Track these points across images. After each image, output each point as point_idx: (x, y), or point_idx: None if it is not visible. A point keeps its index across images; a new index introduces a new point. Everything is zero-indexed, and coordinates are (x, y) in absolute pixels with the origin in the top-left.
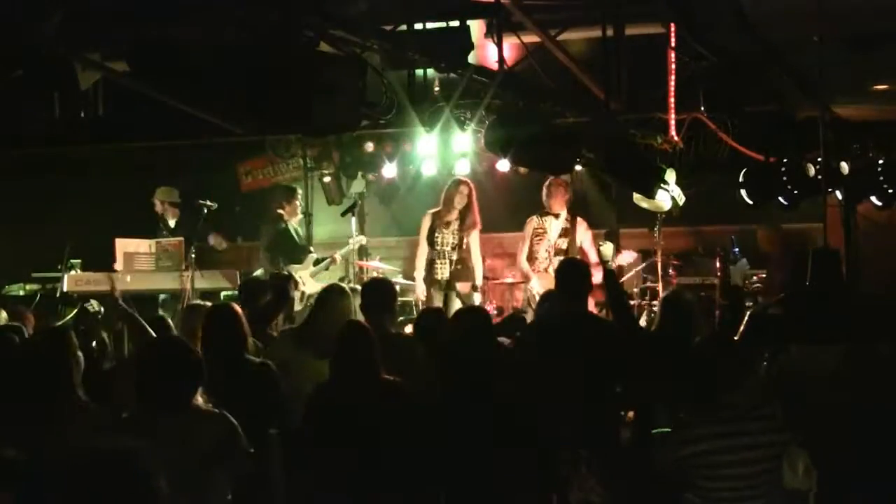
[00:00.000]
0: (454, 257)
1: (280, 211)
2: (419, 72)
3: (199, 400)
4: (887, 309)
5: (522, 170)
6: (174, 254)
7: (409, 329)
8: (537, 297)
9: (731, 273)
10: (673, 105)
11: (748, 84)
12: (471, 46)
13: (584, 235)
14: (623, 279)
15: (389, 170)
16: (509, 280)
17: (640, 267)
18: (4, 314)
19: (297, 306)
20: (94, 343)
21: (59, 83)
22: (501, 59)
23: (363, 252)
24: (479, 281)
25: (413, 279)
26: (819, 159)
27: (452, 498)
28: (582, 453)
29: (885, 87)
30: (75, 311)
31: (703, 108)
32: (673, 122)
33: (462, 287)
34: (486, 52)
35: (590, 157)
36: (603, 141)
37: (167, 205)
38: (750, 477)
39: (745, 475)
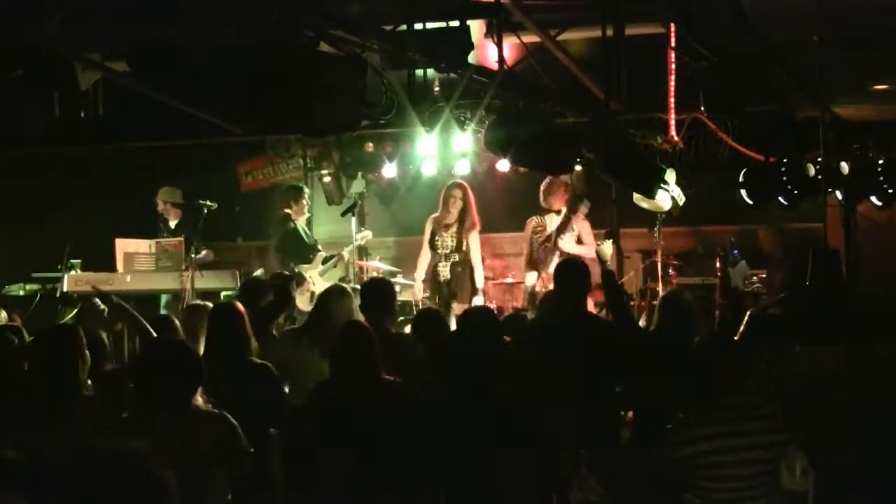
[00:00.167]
0: (455, 259)
1: (288, 210)
2: (419, 72)
3: (199, 400)
4: (887, 309)
5: (522, 170)
6: (174, 254)
7: (408, 329)
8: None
9: (730, 275)
10: (673, 105)
11: (748, 84)
12: (471, 46)
13: (581, 225)
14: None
15: (389, 170)
16: (509, 280)
17: (640, 267)
18: (4, 314)
19: (308, 306)
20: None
21: (59, 83)
22: (501, 59)
23: (363, 252)
24: (479, 282)
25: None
26: (819, 159)
27: (452, 498)
28: (582, 453)
29: (885, 87)
30: (75, 310)
31: (703, 108)
32: (673, 122)
33: (461, 300)
34: (486, 52)
35: (590, 157)
36: (603, 141)
37: (169, 205)
38: (749, 477)
39: (745, 475)
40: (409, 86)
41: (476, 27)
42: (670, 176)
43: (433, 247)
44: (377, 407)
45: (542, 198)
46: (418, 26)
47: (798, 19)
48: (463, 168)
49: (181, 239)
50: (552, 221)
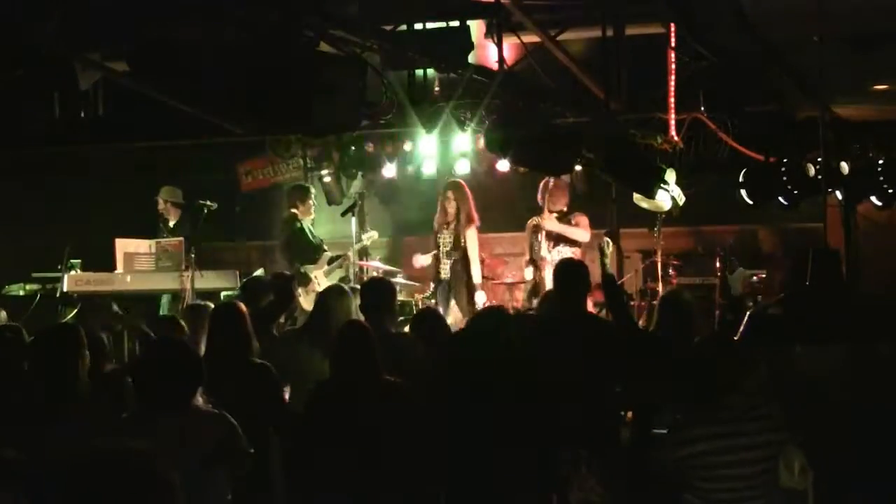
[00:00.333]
0: (454, 257)
1: (294, 210)
2: (419, 72)
3: (200, 400)
4: (887, 309)
5: (522, 170)
6: (174, 254)
7: (407, 329)
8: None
9: (730, 282)
10: (673, 105)
11: (748, 84)
12: (471, 46)
13: (580, 219)
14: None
15: (389, 170)
16: (509, 280)
17: (640, 267)
18: (4, 314)
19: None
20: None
21: (59, 83)
22: (501, 59)
23: (363, 252)
24: (476, 278)
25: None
26: (819, 159)
27: (452, 498)
28: (582, 453)
29: (885, 87)
30: (75, 310)
31: (703, 108)
32: (673, 122)
33: (458, 298)
34: (486, 52)
35: (590, 157)
36: (603, 141)
37: (170, 204)
38: (748, 477)
39: (744, 475)
40: (409, 86)
41: (476, 27)
42: (670, 176)
43: (436, 246)
44: (377, 407)
45: (540, 198)
46: (418, 26)
47: (798, 19)
48: (463, 168)
49: (181, 239)
50: (551, 223)
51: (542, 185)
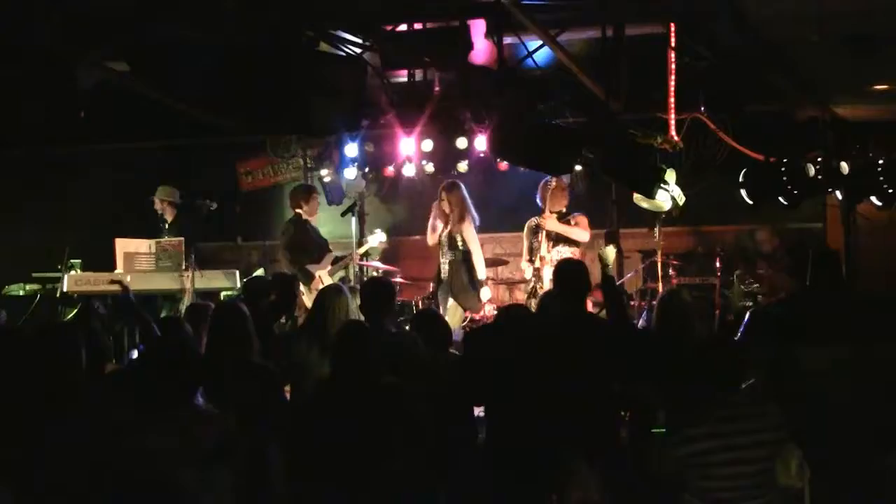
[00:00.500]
0: (451, 256)
1: (299, 210)
2: (419, 72)
3: (200, 400)
4: (887, 309)
5: (523, 170)
6: (174, 254)
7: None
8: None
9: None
10: (673, 105)
11: (748, 84)
12: (471, 46)
13: (579, 219)
14: (623, 279)
15: (389, 170)
16: (509, 279)
17: (640, 267)
18: (4, 314)
19: None
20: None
21: (59, 83)
22: (501, 59)
23: (369, 252)
24: (481, 274)
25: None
26: (819, 159)
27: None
28: (582, 453)
29: (885, 87)
30: (75, 310)
31: (703, 108)
32: (673, 122)
33: (460, 297)
34: (487, 52)
35: (590, 157)
36: (603, 141)
37: (167, 203)
38: (747, 476)
39: (743, 474)
40: (410, 86)
41: (476, 27)
42: (670, 176)
43: (439, 245)
44: (376, 407)
45: (540, 198)
46: (418, 26)
47: (798, 19)
48: (463, 168)
49: (181, 239)
50: (550, 223)
51: (541, 185)
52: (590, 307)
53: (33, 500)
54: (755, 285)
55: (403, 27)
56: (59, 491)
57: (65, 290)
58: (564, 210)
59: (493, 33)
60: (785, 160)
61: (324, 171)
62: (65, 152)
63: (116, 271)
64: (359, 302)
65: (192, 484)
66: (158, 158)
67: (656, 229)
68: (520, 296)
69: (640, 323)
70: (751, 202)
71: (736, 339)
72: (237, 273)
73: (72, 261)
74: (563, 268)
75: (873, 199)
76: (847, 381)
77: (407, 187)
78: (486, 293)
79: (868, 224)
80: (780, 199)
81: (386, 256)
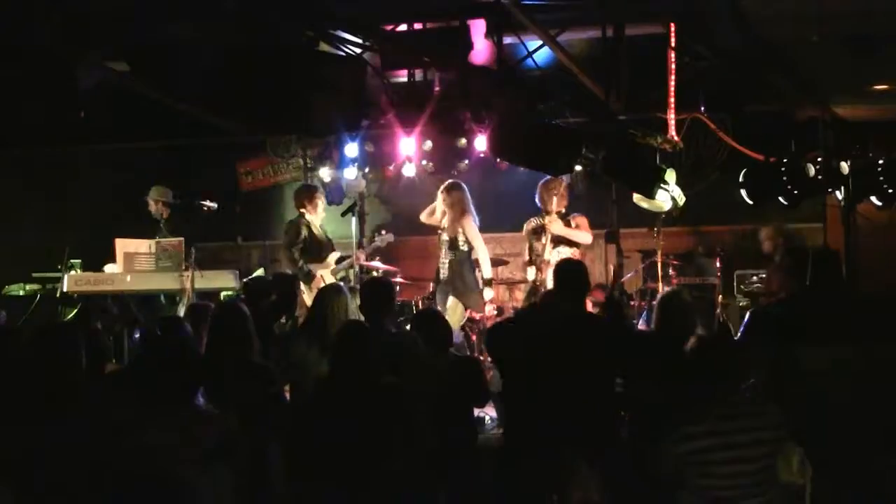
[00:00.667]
0: (451, 257)
1: (302, 210)
2: (419, 72)
3: (200, 399)
4: (887, 309)
5: (522, 169)
6: (174, 254)
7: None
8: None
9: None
10: (673, 105)
11: (748, 84)
12: (471, 46)
13: (579, 220)
14: (623, 279)
15: (389, 170)
16: (509, 279)
17: (640, 267)
18: (4, 314)
19: None
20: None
21: (59, 83)
22: (501, 59)
23: (376, 253)
24: (486, 272)
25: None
26: (819, 159)
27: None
28: (582, 453)
29: (885, 87)
30: (75, 310)
31: (703, 108)
32: (673, 122)
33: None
34: (487, 52)
35: (590, 157)
36: (603, 141)
37: (161, 204)
38: (746, 475)
39: (743, 472)
40: (410, 86)
41: (476, 27)
42: (670, 176)
43: (439, 245)
44: (375, 407)
45: (539, 199)
46: (418, 26)
47: (798, 19)
48: (463, 167)
49: (181, 239)
50: (550, 223)
51: (540, 185)
52: (589, 307)
53: (33, 499)
54: (755, 285)
55: (403, 27)
56: (60, 491)
57: (65, 290)
58: (564, 210)
59: (493, 33)
60: (785, 160)
61: (324, 171)
62: (65, 152)
63: (108, 267)
64: (359, 302)
65: (192, 484)
66: (158, 158)
67: (656, 229)
68: (520, 296)
69: (640, 323)
70: (751, 202)
71: (737, 338)
72: (237, 273)
73: (72, 261)
74: (562, 267)
75: (873, 199)
76: (847, 381)
77: (407, 187)
78: (488, 293)
79: (868, 224)
80: (780, 199)
81: (386, 256)
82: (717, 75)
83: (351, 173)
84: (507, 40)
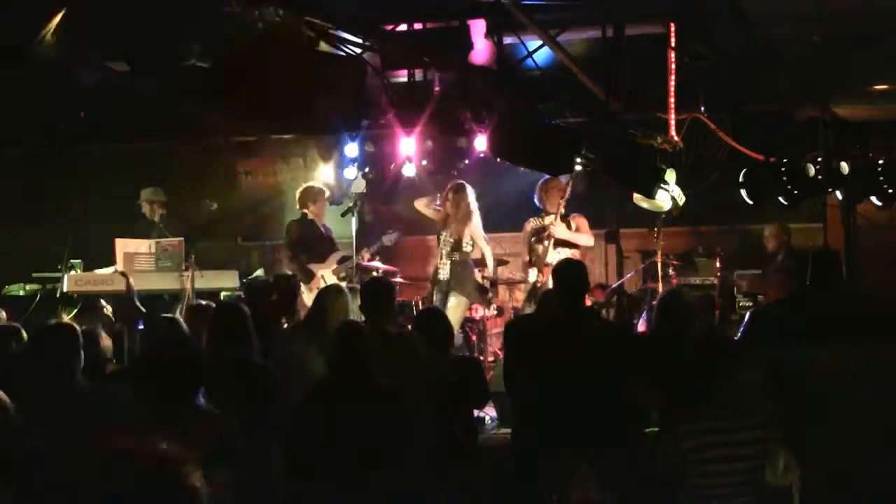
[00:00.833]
0: (455, 258)
1: (305, 210)
2: (419, 72)
3: (201, 400)
4: (887, 309)
5: (522, 169)
6: (174, 254)
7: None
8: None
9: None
10: (673, 105)
11: (748, 84)
12: (471, 46)
13: (579, 221)
14: (623, 279)
15: (389, 170)
16: (509, 279)
17: (640, 267)
18: (4, 314)
19: None
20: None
21: (59, 83)
22: (501, 59)
23: (382, 252)
24: (491, 272)
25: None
26: (819, 159)
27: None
28: (582, 452)
29: (885, 87)
30: (75, 310)
31: (703, 108)
32: (673, 122)
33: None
34: (487, 52)
35: (590, 157)
36: (603, 141)
37: (156, 205)
38: (739, 473)
39: (736, 471)
40: (410, 86)
41: (476, 27)
42: (670, 176)
43: (438, 244)
44: (371, 408)
45: (537, 200)
46: (418, 26)
47: (798, 19)
48: (462, 167)
49: (181, 239)
50: (549, 222)
51: (539, 185)
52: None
53: (33, 500)
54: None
55: (403, 27)
56: (60, 491)
57: (65, 290)
58: (563, 210)
59: (493, 33)
60: (785, 160)
61: (324, 171)
62: (65, 152)
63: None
64: (359, 302)
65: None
66: (158, 158)
67: (656, 229)
68: (520, 296)
69: (641, 323)
70: (751, 202)
71: (737, 338)
72: (237, 273)
73: (72, 261)
74: (562, 267)
75: (873, 199)
76: (847, 381)
77: (407, 187)
78: (490, 292)
79: (868, 224)
80: (780, 199)
81: (385, 256)
82: (717, 75)
83: (351, 173)
84: (507, 40)
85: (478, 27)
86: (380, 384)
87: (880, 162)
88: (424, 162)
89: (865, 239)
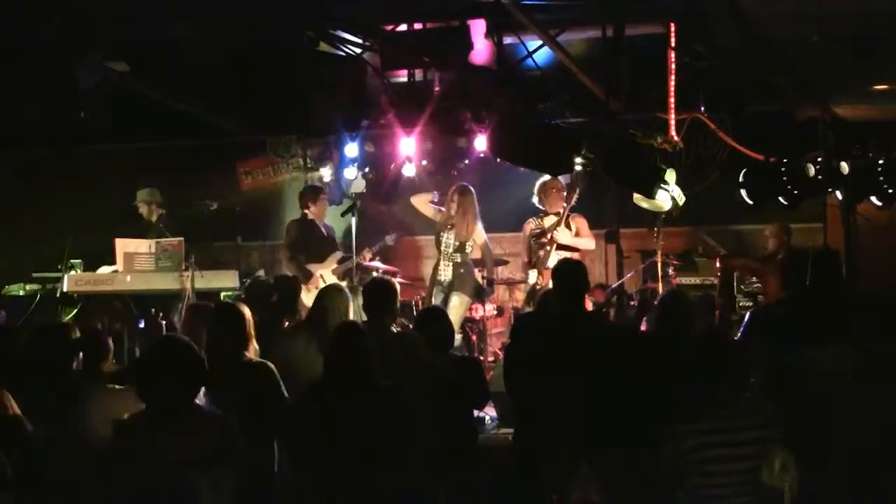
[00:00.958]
0: (457, 259)
1: (306, 210)
2: (419, 72)
3: (202, 400)
4: (887, 309)
5: (522, 170)
6: (174, 254)
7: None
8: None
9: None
10: (673, 105)
11: (748, 84)
12: (471, 46)
13: (578, 222)
14: (623, 279)
15: (389, 170)
16: (509, 279)
17: (640, 267)
18: (4, 314)
19: None
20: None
21: (59, 83)
22: (501, 59)
23: (384, 251)
24: (491, 273)
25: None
26: (819, 159)
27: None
28: (582, 452)
29: (885, 87)
30: (75, 310)
31: (703, 108)
32: (673, 122)
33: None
34: (487, 52)
35: (590, 157)
36: (603, 141)
37: (154, 205)
38: (739, 473)
39: (736, 471)
40: (410, 86)
41: (476, 27)
42: (670, 176)
43: (437, 245)
44: (368, 408)
45: (536, 200)
46: (418, 26)
47: (798, 19)
48: (462, 167)
49: (181, 239)
50: (549, 223)
51: (538, 185)
52: (589, 307)
53: (33, 500)
54: (755, 285)
55: (403, 27)
56: (60, 491)
57: (65, 290)
58: (562, 211)
59: (493, 33)
60: (785, 160)
61: (324, 171)
62: (65, 152)
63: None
64: (360, 301)
65: (192, 484)
66: (158, 158)
67: (656, 229)
68: (520, 296)
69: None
70: (751, 202)
71: (737, 338)
72: (237, 273)
73: (72, 261)
74: (561, 267)
75: (873, 199)
76: (847, 381)
77: (407, 187)
78: (491, 291)
79: (868, 224)
80: (780, 199)
81: (384, 256)
82: (717, 75)
83: (351, 173)
84: (507, 40)
85: (478, 27)
86: (378, 384)
87: (880, 162)
88: (424, 162)
89: (865, 239)
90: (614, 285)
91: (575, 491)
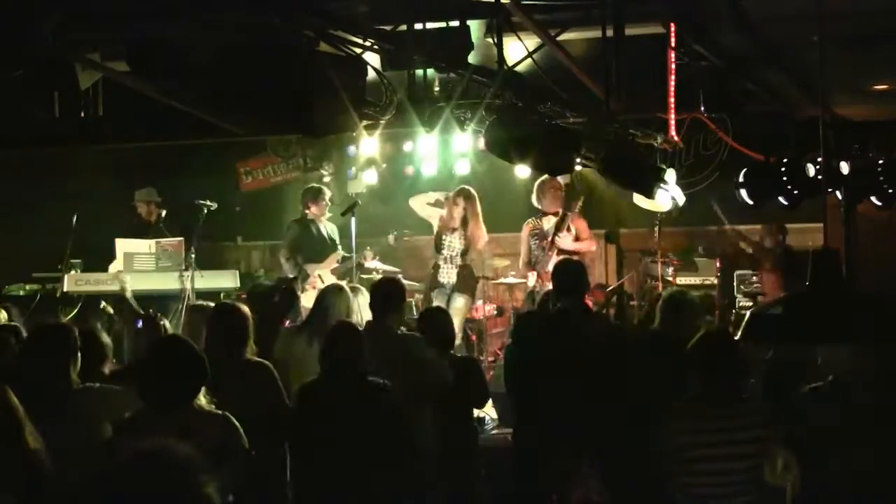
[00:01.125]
0: (460, 262)
1: (306, 211)
2: (419, 72)
3: (202, 400)
4: (887, 309)
5: (521, 169)
6: (174, 254)
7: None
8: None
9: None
10: (673, 105)
11: (748, 84)
12: (471, 46)
13: (578, 224)
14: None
15: (389, 170)
16: (509, 280)
17: (640, 267)
18: (4, 314)
19: None
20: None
21: (59, 83)
22: (501, 59)
23: (385, 251)
24: (489, 272)
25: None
26: (819, 159)
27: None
28: (583, 452)
29: (885, 87)
30: (75, 310)
31: (703, 108)
32: (673, 122)
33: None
34: (487, 52)
35: (590, 157)
36: (603, 141)
37: (153, 205)
38: (739, 472)
39: (736, 470)
40: (409, 86)
41: (476, 27)
42: (670, 176)
43: (438, 247)
44: (365, 408)
45: (535, 200)
46: (418, 26)
47: (798, 19)
48: (463, 168)
49: (181, 239)
50: (548, 223)
51: (537, 185)
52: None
53: (33, 501)
54: (755, 285)
55: (403, 27)
56: (60, 492)
57: (65, 290)
58: (561, 211)
59: (493, 33)
60: (785, 160)
61: (324, 171)
62: (65, 152)
63: (113, 267)
64: (362, 300)
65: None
66: (158, 158)
67: (656, 229)
68: (520, 296)
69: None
70: (751, 202)
71: (737, 338)
72: (237, 273)
73: (72, 261)
74: (562, 267)
75: (873, 199)
76: (847, 381)
77: (407, 187)
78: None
79: (868, 224)
80: (780, 199)
81: (386, 256)
82: (717, 75)
83: (351, 173)
84: (507, 40)
85: (478, 27)
86: (374, 383)
87: (880, 162)
88: (424, 162)
89: (865, 239)
90: (614, 285)
91: (575, 491)
